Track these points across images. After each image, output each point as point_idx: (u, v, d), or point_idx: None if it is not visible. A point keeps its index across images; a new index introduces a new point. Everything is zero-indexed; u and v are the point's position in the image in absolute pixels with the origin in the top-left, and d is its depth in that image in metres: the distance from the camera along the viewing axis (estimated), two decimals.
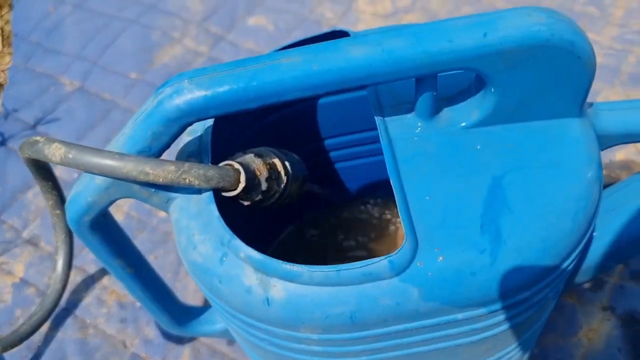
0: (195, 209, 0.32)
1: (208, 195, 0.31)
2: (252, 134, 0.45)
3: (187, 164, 0.30)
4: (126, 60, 0.79)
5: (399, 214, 0.29)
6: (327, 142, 0.49)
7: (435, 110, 0.32)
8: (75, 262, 0.62)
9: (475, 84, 0.32)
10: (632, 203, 0.44)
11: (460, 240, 0.28)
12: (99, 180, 0.31)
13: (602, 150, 0.36)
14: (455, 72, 0.34)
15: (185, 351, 0.55)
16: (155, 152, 0.30)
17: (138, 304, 0.59)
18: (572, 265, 0.32)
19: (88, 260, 0.62)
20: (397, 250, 0.28)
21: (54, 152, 0.30)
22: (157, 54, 0.80)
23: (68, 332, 0.58)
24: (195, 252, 0.31)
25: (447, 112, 0.33)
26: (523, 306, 0.31)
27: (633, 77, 0.68)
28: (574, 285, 0.49)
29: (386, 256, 0.27)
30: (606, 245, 0.45)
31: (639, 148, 0.62)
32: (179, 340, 0.56)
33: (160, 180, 0.29)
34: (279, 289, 0.29)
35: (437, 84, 0.30)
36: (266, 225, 0.52)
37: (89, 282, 0.61)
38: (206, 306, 0.49)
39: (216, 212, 0.31)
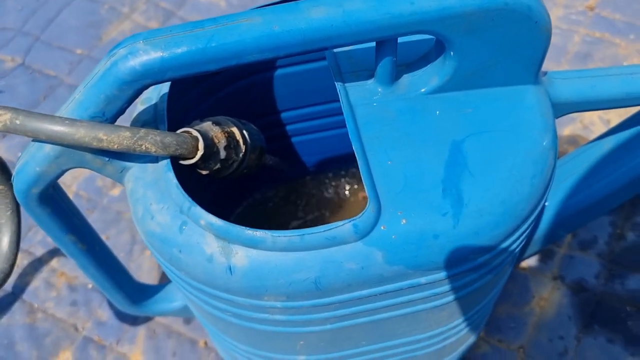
0: (151, 178, 0.31)
1: (165, 164, 0.30)
2: (207, 107, 0.44)
3: (143, 130, 0.28)
4: (71, 36, 0.76)
5: (362, 178, 0.28)
6: (284, 115, 0.49)
7: (395, 76, 0.32)
8: (21, 245, 0.59)
9: (435, 50, 0.32)
10: (580, 174, 0.45)
11: (422, 203, 0.28)
12: (48, 148, 0.30)
13: (556, 118, 0.37)
14: (415, 40, 0.34)
15: (141, 332, 0.54)
16: (109, 118, 0.28)
17: (90, 285, 0.57)
18: (529, 229, 0.33)
19: (35, 242, 0.60)
20: (360, 214, 0.27)
21: None
22: (105, 29, 0.77)
23: (15, 317, 0.55)
24: (153, 221, 0.30)
25: (407, 78, 0.32)
26: (484, 269, 0.32)
27: (578, 56, 0.70)
28: (527, 255, 0.50)
29: (350, 220, 0.27)
30: (556, 215, 0.46)
31: (585, 124, 0.65)
32: (134, 321, 0.54)
33: (115, 146, 0.28)
34: (241, 256, 0.28)
35: (397, 49, 0.30)
36: (221, 199, 0.51)
37: (37, 265, 0.58)
38: (162, 284, 0.48)
39: (174, 180, 0.30)
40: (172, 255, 0.30)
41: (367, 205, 0.28)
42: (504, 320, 0.53)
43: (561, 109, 0.36)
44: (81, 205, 0.61)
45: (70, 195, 0.62)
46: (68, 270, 0.58)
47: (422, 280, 0.30)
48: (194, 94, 0.42)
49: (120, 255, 0.58)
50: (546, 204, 0.46)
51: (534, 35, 0.30)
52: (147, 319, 0.54)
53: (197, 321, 0.54)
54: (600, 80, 0.36)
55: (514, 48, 0.30)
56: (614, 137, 0.45)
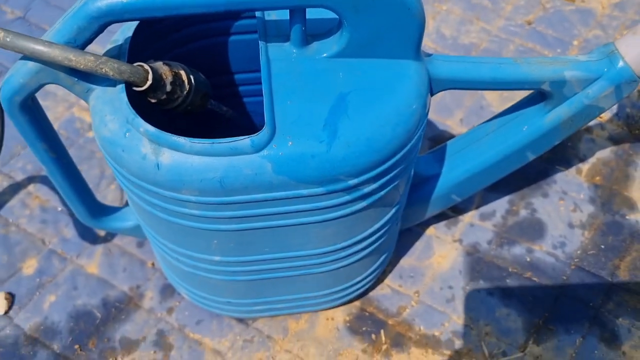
0: (109, 97, 0.40)
1: (121, 87, 0.40)
2: (169, 58, 0.53)
3: (104, 57, 0.38)
4: None
5: (264, 110, 0.38)
6: (237, 77, 0.58)
7: (306, 41, 0.42)
8: (3, 169, 0.68)
9: (337, 25, 0.41)
10: (469, 149, 0.55)
11: (306, 132, 0.38)
12: (31, 64, 0.39)
13: (437, 91, 0.46)
14: (327, 18, 0.44)
15: (98, 250, 0.63)
16: (79, 45, 0.38)
17: (59, 208, 0.66)
18: (397, 171, 0.43)
19: (16, 168, 0.68)
20: (257, 133, 0.37)
21: None
22: None
23: None
24: (105, 128, 0.39)
25: (315, 45, 0.42)
26: (355, 193, 0.41)
27: None
28: (429, 214, 0.60)
29: (249, 136, 0.37)
30: (450, 180, 0.56)
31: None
32: (94, 241, 0.64)
33: (81, 67, 0.37)
34: (167, 157, 0.37)
35: (305, 19, 0.40)
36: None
37: (15, 187, 0.67)
38: (119, 207, 0.57)
39: (125, 99, 0.39)
40: (117, 155, 0.39)
41: (264, 128, 0.37)
42: (406, 271, 0.63)
43: (440, 84, 0.46)
44: None
45: None
46: (42, 194, 0.67)
47: (304, 192, 0.39)
48: (159, 46, 0.51)
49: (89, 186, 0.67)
50: (441, 171, 0.56)
51: (408, 20, 0.40)
52: (105, 240, 0.64)
53: (148, 245, 0.63)
54: (474, 65, 0.46)
55: (394, 28, 0.40)
56: (498, 120, 0.55)
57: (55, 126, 0.72)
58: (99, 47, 0.71)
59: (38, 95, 0.42)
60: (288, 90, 0.40)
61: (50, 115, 0.72)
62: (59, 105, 0.74)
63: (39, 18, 0.83)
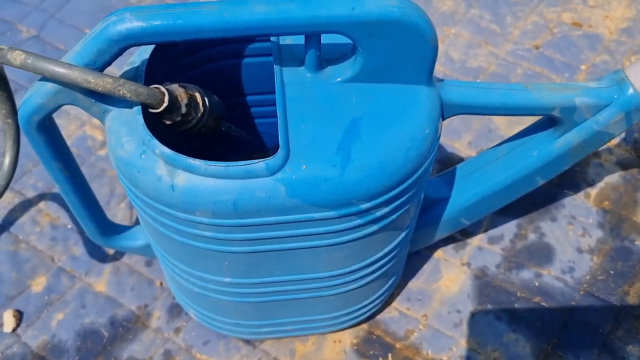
0: (125, 118, 0.40)
1: (137, 109, 0.40)
2: (184, 80, 0.54)
3: (122, 80, 0.38)
4: (83, 17, 0.86)
5: (279, 133, 0.38)
6: (250, 98, 0.59)
7: (320, 66, 0.42)
8: (15, 186, 0.69)
9: (351, 50, 0.42)
10: (479, 172, 0.56)
11: (320, 156, 0.38)
12: (50, 86, 0.39)
13: (449, 116, 0.47)
14: (341, 43, 0.44)
15: (107, 268, 0.63)
16: (98, 67, 0.38)
17: (69, 225, 0.66)
18: (409, 196, 0.43)
19: (27, 185, 0.69)
20: (272, 156, 0.37)
21: (15, 57, 0.38)
22: None
23: (1, 244, 0.65)
24: (122, 149, 0.40)
25: (329, 69, 0.43)
26: (367, 217, 0.41)
27: None
28: (437, 237, 0.60)
29: (264, 159, 0.37)
30: (459, 204, 0.56)
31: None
32: (102, 259, 0.64)
33: (100, 88, 0.38)
34: (182, 178, 0.38)
35: (320, 44, 0.40)
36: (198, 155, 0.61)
37: (26, 204, 0.68)
38: (129, 225, 0.57)
39: (141, 121, 0.39)
40: (132, 175, 0.39)
41: (278, 151, 0.38)
42: (414, 293, 0.63)
43: (452, 109, 0.46)
44: None
45: None
46: (52, 212, 0.67)
47: (316, 215, 0.39)
48: (174, 68, 0.52)
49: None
50: (450, 194, 0.57)
51: (422, 46, 0.40)
52: (114, 259, 0.64)
53: (157, 264, 0.63)
54: (485, 91, 0.47)
55: (408, 54, 0.41)
56: (507, 144, 0.55)
57: (68, 144, 0.72)
58: (114, 68, 0.72)
59: None
60: (302, 114, 0.40)
61: (62, 133, 0.72)
62: (72, 123, 0.75)
63: (54, 37, 0.84)
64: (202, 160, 0.37)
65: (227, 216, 0.39)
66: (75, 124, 0.75)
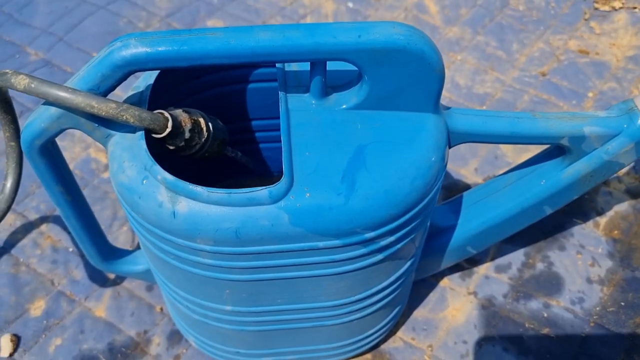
0: (128, 143, 0.40)
1: (140, 134, 0.40)
2: (188, 105, 0.53)
3: (126, 105, 0.38)
4: (90, 40, 0.87)
5: (283, 160, 0.38)
6: (255, 123, 0.58)
7: (325, 92, 0.42)
8: (17, 208, 0.68)
9: (356, 77, 0.42)
10: (485, 201, 0.55)
11: (324, 184, 0.38)
12: (53, 110, 0.39)
13: (455, 144, 0.46)
14: (345, 69, 0.44)
15: (107, 293, 0.62)
16: (102, 92, 0.38)
17: (71, 248, 0.65)
18: (415, 224, 0.42)
19: (29, 207, 0.69)
20: (275, 184, 0.37)
21: (19, 82, 0.38)
22: None
23: (1, 267, 0.64)
24: (123, 175, 0.39)
25: (334, 96, 0.42)
26: (372, 246, 0.40)
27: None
28: (443, 266, 0.59)
29: (267, 187, 0.37)
30: (466, 232, 0.55)
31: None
32: (103, 283, 0.63)
33: (103, 113, 0.37)
34: (183, 205, 0.37)
35: (325, 71, 0.40)
36: (202, 179, 0.60)
37: (28, 226, 0.67)
38: (130, 250, 0.57)
39: (144, 146, 0.39)
40: (133, 201, 0.39)
41: (281, 178, 0.37)
42: (419, 323, 0.61)
43: (458, 137, 0.46)
44: None
45: None
46: (54, 234, 0.67)
47: (320, 244, 0.39)
48: (178, 92, 0.52)
49: (101, 227, 0.67)
50: (457, 222, 0.56)
51: (428, 74, 0.40)
52: (115, 283, 0.63)
53: (157, 289, 0.62)
54: (492, 119, 0.46)
55: (414, 81, 0.40)
56: (515, 173, 0.54)
57: (71, 166, 0.72)
58: (121, 91, 0.73)
59: None
60: (307, 141, 0.40)
61: (66, 155, 0.72)
62: (76, 145, 0.75)
63: (62, 60, 0.85)
64: (204, 187, 0.37)
65: (229, 244, 0.38)
66: (79, 147, 0.74)
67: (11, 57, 0.85)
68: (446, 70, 0.85)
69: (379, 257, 0.42)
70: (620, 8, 0.93)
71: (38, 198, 0.70)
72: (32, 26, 0.89)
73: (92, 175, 0.72)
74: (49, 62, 0.85)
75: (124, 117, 0.38)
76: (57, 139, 0.44)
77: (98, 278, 0.63)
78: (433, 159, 0.41)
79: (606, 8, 0.94)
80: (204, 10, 0.93)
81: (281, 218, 0.37)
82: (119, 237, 0.66)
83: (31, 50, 0.86)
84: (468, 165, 0.74)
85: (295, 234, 0.38)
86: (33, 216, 0.68)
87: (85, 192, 0.70)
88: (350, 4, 0.94)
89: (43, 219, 0.68)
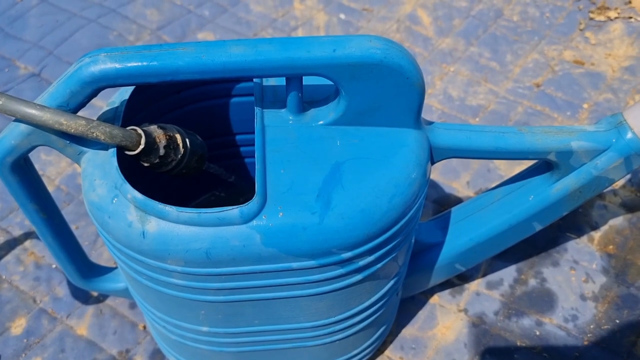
0: (100, 161, 0.39)
1: (112, 151, 0.39)
2: (168, 120, 0.53)
3: (96, 121, 0.37)
4: (81, 54, 0.86)
5: (256, 178, 0.37)
6: (238, 137, 0.57)
7: (303, 108, 0.41)
8: (1, 224, 0.67)
9: (334, 93, 0.41)
10: (473, 217, 0.53)
11: (298, 203, 0.36)
12: (23, 127, 0.38)
13: (438, 160, 0.45)
14: (324, 85, 0.43)
15: (89, 310, 0.61)
16: (72, 108, 0.37)
17: (53, 265, 0.64)
18: (395, 243, 0.41)
19: (13, 223, 0.68)
20: (247, 203, 0.36)
21: None
22: None
23: None
24: (94, 193, 0.38)
25: (312, 112, 0.41)
26: (350, 267, 0.39)
27: (518, 124, 0.79)
28: (432, 284, 0.58)
29: (238, 206, 0.35)
30: (454, 249, 0.54)
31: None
32: (85, 300, 0.62)
33: (72, 130, 0.36)
34: (153, 225, 0.36)
35: (302, 86, 0.39)
36: (183, 194, 0.59)
37: (11, 243, 0.66)
38: (111, 267, 0.55)
39: (115, 164, 0.38)
40: (103, 221, 0.38)
41: (254, 197, 0.36)
42: (408, 341, 0.60)
43: (441, 153, 0.45)
44: (60, 197, 0.70)
45: (52, 188, 0.71)
46: (37, 251, 0.66)
47: (294, 265, 0.37)
48: (156, 107, 0.51)
49: (85, 243, 0.66)
50: (445, 239, 0.54)
51: (407, 88, 0.39)
52: (97, 300, 0.62)
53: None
54: (476, 134, 0.45)
55: (393, 96, 0.39)
56: (503, 188, 0.53)
57: (57, 181, 0.71)
58: (103, 102, 0.72)
59: (42, 150, 0.41)
60: (282, 158, 0.39)
61: (53, 170, 0.71)
62: (62, 160, 0.74)
63: (52, 74, 0.84)
64: (173, 207, 0.35)
65: (200, 265, 0.37)
66: (66, 161, 0.74)
67: (0, 70, 0.85)
68: (439, 82, 0.84)
69: (358, 277, 0.41)
70: (616, 18, 0.92)
71: (22, 214, 0.69)
72: (22, 39, 0.89)
73: (77, 191, 0.71)
74: (40, 77, 0.84)
75: (94, 134, 0.37)
76: (43, 154, 0.43)
77: (81, 295, 0.62)
78: (413, 175, 0.40)
79: (602, 18, 0.93)
80: (194, 23, 0.92)
81: (253, 238, 0.36)
82: (103, 254, 0.65)
83: (21, 64, 0.86)
84: (460, 178, 0.73)
85: (268, 255, 0.37)
86: (17, 232, 0.67)
87: (70, 208, 0.69)
88: (342, 16, 0.93)
89: (27, 235, 0.67)
